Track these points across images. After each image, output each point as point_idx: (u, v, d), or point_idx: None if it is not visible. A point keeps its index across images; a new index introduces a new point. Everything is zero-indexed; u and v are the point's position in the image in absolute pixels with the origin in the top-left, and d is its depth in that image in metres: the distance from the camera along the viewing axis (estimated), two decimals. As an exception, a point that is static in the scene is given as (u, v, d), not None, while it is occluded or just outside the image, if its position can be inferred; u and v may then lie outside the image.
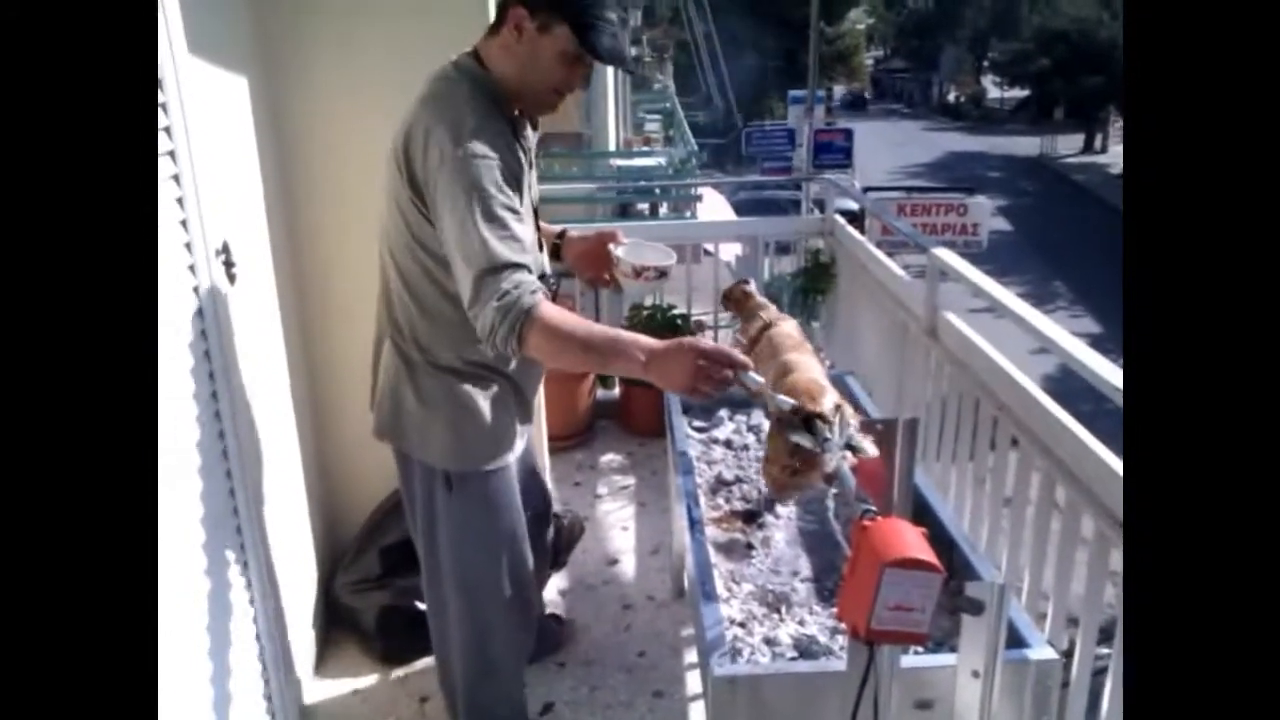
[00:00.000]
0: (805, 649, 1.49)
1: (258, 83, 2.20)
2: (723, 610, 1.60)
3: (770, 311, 1.82)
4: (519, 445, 1.83)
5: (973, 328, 2.37)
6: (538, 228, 1.79)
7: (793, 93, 20.85)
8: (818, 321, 3.76)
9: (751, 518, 1.98)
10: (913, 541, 1.07)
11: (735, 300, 1.96)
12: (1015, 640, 1.35)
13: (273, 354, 2.24)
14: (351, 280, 2.53)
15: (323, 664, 2.43)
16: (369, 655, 2.44)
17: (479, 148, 1.52)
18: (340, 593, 2.52)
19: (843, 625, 1.58)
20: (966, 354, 2.32)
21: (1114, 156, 30.01)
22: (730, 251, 4.86)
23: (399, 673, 2.40)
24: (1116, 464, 1.68)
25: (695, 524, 1.75)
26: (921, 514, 1.58)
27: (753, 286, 1.98)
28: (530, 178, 1.72)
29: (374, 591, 2.47)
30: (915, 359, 2.72)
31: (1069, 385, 2.00)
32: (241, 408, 1.86)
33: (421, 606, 2.44)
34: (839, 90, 43.00)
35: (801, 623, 1.60)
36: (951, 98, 47.96)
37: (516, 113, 1.68)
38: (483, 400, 1.72)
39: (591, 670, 2.37)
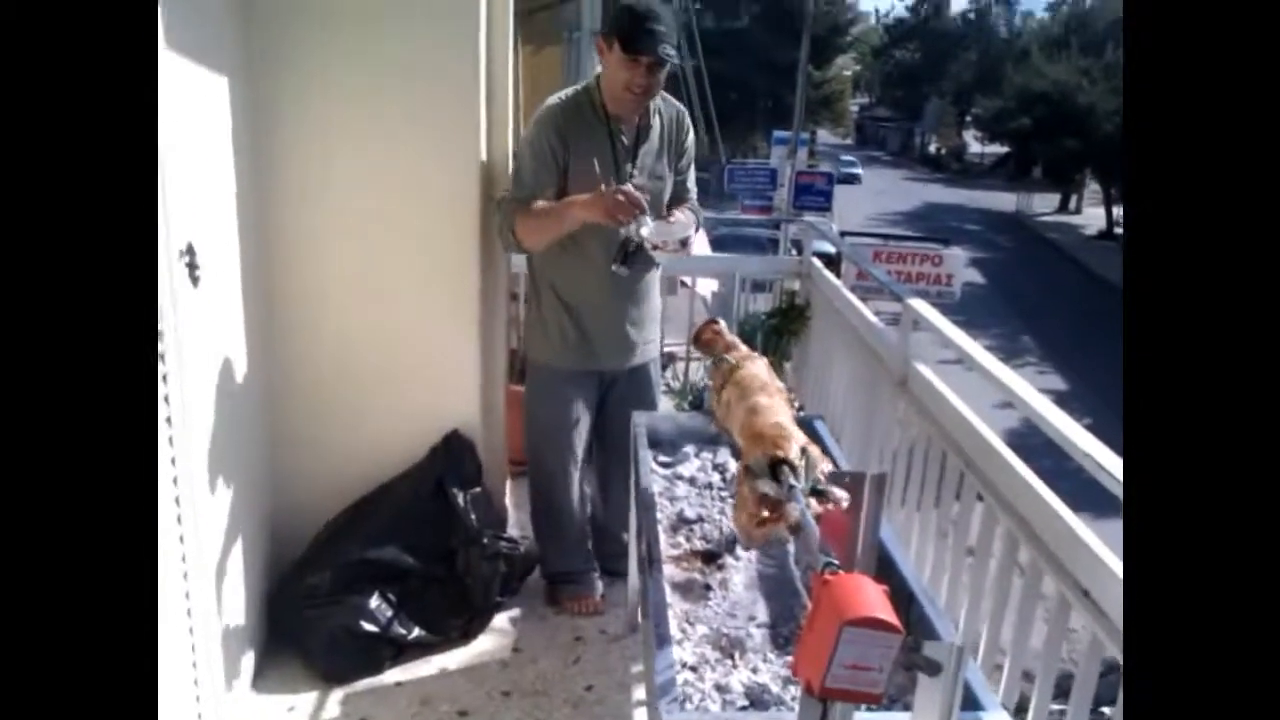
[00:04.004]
0: (757, 698, 1.46)
1: (238, 84, 2.16)
2: (675, 652, 1.56)
3: (740, 352, 1.81)
4: (570, 359, 2.55)
5: (941, 378, 2.37)
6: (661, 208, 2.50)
7: (777, 133, 21.10)
8: (789, 362, 3.75)
9: (711, 558, 1.94)
10: (874, 600, 1.05)
11: (705, 341, 1.95)
12: (970, 702, 1.33)
13: (232, 358, 2.19)
14: (319, 285, 2.50)
15: (260, 679, 2.35)
16: (310, 673, 2.37)
17: (530, 133, 2.40)
18: (286, 607, 2.45)
19: (796, 677, 1.56)
20: (936, 406, 2.32)
21: (1088, 218, 30.58)
22: (707, 287, 4.87)
23: (340, 693, 2.34)
24: (1079, 526, 1.67)
25: (654, 563, 1.72)
26: (883, 565, 1.56)
27: (722, 326, 1.97)
28: (630, 161, 2.43)
29: (324, 608, 2.41)
30: (884, 407, 2.71)
31: (1031, 441, 2.00)
32: (193, 410, 1.81)
33: (368, 628, 2.41)
34: (823, 134, 43.50)
35: (755, 670, 1.56)
36: (933, 149, 48.72)
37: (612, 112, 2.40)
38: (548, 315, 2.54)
39: (538, 702, 2.32)
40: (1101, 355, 15.24)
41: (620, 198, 2.19)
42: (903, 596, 1.50)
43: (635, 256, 2.39)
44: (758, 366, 1.73)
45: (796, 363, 3.77)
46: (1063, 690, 1.78)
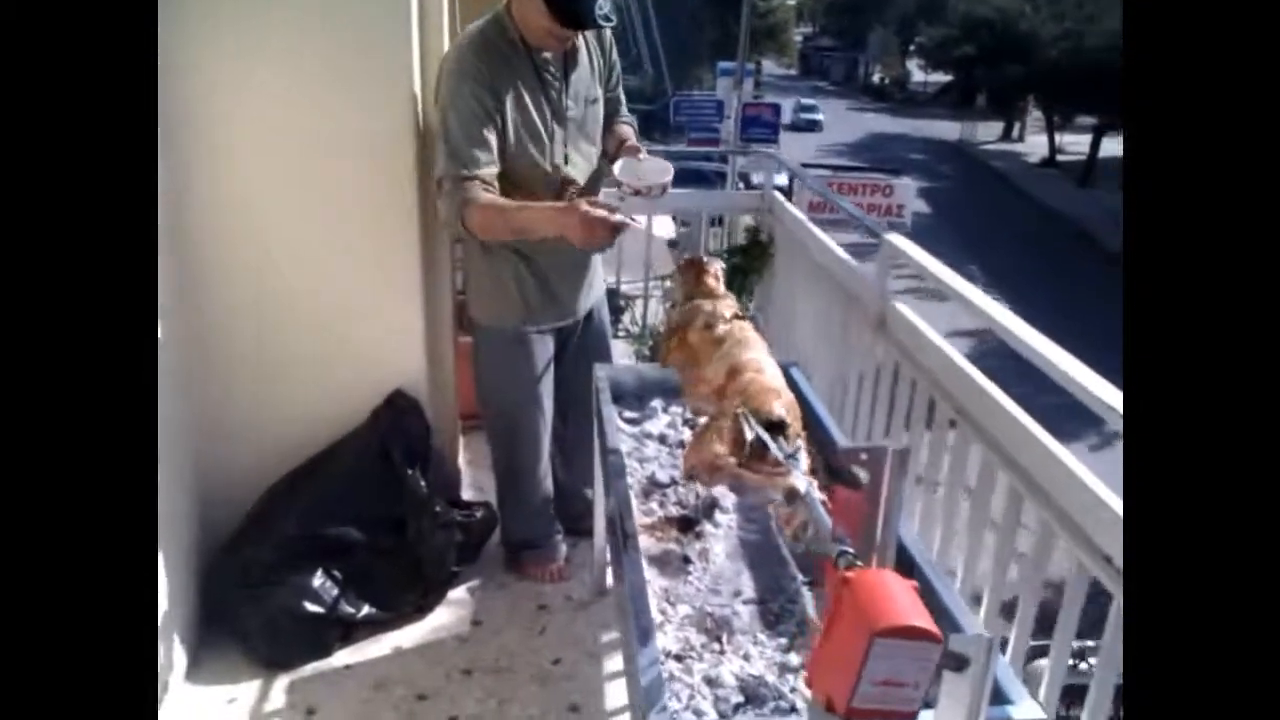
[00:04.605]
0: (752, 693, 1.30)
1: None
2: (657, 641, 1.40)
3: (727, 303, 1.63)
4: (532, 318, 2.29)
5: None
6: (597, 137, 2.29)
7: (722, 64, 20.64)
8: (751, 303, 3.57)
9: (688, 525, 1.78)
10: (907, 604, 0.88)
11: (694, 274, 1.76)
12: (997, 696, 1.18)
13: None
14: (240, 239, 2.24)
15: (196, 669, 2.15)
16: (251, 659, 2.18)
17: (450, 90, 2.04)
18: (221, 588, 2.24)
19: (793, 661, 1.41)
20: (919, 350, 2.16)
21: (1031, 146, 30.73)
22: (666, 225, 4.65)
23: (284, 680, 2.14)
24: (1088, 477, 1.53)
25: (629, 538, 1.54)
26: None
27: (718, 270, 1.79)
28: (563, 95, 2.16)
29: (263, 587, 2.20)
30: (859, 350, 2.55)
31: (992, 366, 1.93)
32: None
33: (312, 608, 2.21)
34: (768, 65, 42.96)
35: (746, 657, 1.40)
36: (876, 78, 48.44)
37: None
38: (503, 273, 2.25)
39: (501, 680, 2.16)
40: (1047, 283, 15.38)
41: (596, 216, 1.87)
42: (909, 576, 1.34)
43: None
44: (745, 323, 1.55)
45: (759, 302, 3.60)
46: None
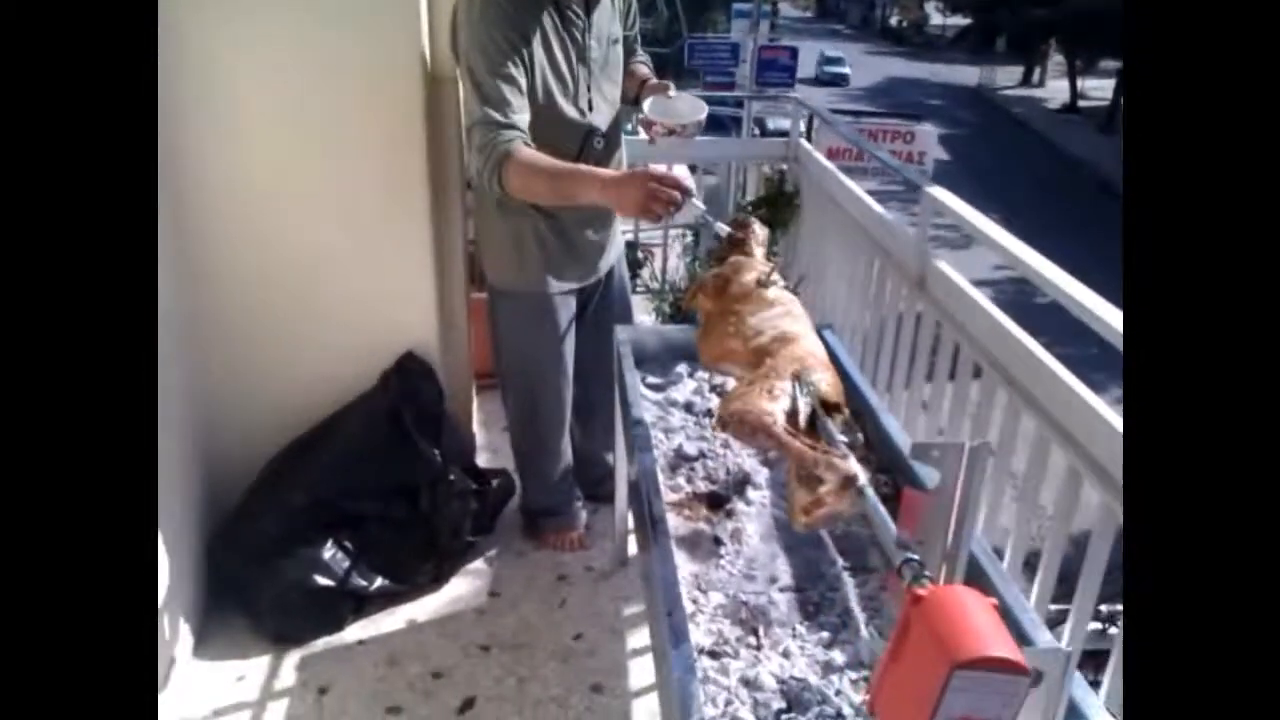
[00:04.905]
0: (795, 697, 1.20)
1: None
2: (691, 636, 1.29)
3: (757, 268, 1.50)
4: (554, 280, 2.15)
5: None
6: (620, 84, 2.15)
7: (737, 5, 20.10)
8: (776, 258, 3.43)
9: (718, 503, 1.67)
10: (990, 629, 0.77)
11: (740, 234, 1.66)
12: (1071, 712, 1.07)
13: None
14: (239, 196, 2.11)
15: (203, 645, 2.07)
16: (260, 635, 2.10)
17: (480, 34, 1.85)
18: (227, 562, 2.16)
19: (836, 660, 1.30)
20: (965, 313, 2.02)
21: (1051, 91, 30.02)
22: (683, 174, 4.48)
23: (295, 656, 2.07)
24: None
25: (657, 524, 1.43)
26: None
27: (759, 233, 1.68)
28: (586, 34, 1.99)
29: (272, 560, 2.11)
30: (897, 311, 2.41)
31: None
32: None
33: (323, 581, 2.12)
34: (784, 7, 42.03)
35: (786, 654, 1.30)
36: (894, 21, 47.34)
37: None
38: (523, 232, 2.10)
39: (520, 657, 2.07)
40: (1069, 232, 15.08)
41: (663, 186, 1.65)
42: (976, 583, 1.22)
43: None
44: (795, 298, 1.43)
45: (784, 260, 3.45)
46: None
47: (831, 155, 6.32)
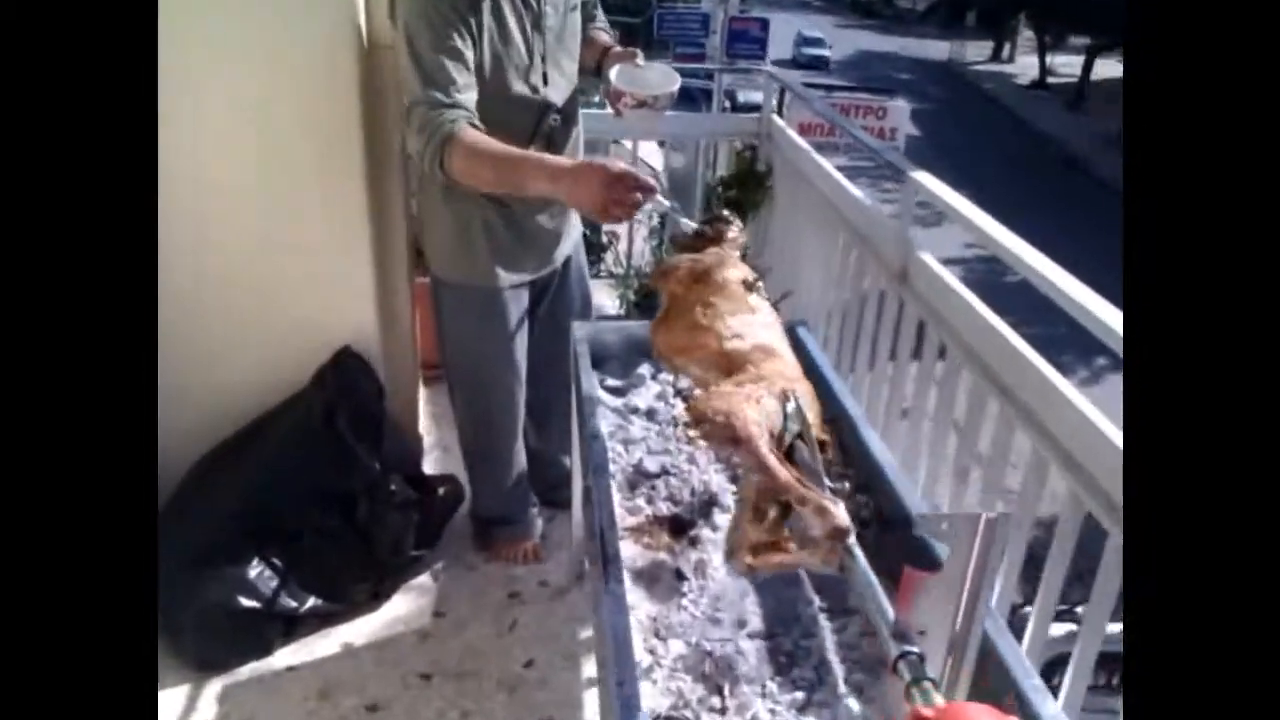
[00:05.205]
0: (768, 779, 1.03)
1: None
2: (644, 694, 1.12)
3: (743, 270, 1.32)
4: (503, 273, 1.95)
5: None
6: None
7: (707, -26, 19.74)
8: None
9: (681, 529, 1.49)
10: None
11: (715, 230, 1.47)
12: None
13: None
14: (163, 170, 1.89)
15: (114, 674, 1.87)
16: (180, 660, 1.90)
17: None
18: (141, 579, 1.95)
19: (815, 726, 1.14)
20: (950, 311, 1.86)
21: (1021, 67, 29.97)
22: (652, 153, 4.27)
23: (218, 685, 1.88)
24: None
25: (609, 563, 1.24)
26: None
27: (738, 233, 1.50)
28: (545, 10, 1.81)
29: (194, 574, 1.91)
30: (877, 305, 2.24)
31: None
32: None
33: (248, 603, 1.93)
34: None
35: (754, 718, 1.13)
36: (865, -6, 47.02)
37: None
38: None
39: (464, 688, 1.89)
40: (1035, 208, 15.03)
41: (622, 175, 1.45)
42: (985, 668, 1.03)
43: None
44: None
45: (754, 244, 3.26)
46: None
47: (803, 130, 6.14)
